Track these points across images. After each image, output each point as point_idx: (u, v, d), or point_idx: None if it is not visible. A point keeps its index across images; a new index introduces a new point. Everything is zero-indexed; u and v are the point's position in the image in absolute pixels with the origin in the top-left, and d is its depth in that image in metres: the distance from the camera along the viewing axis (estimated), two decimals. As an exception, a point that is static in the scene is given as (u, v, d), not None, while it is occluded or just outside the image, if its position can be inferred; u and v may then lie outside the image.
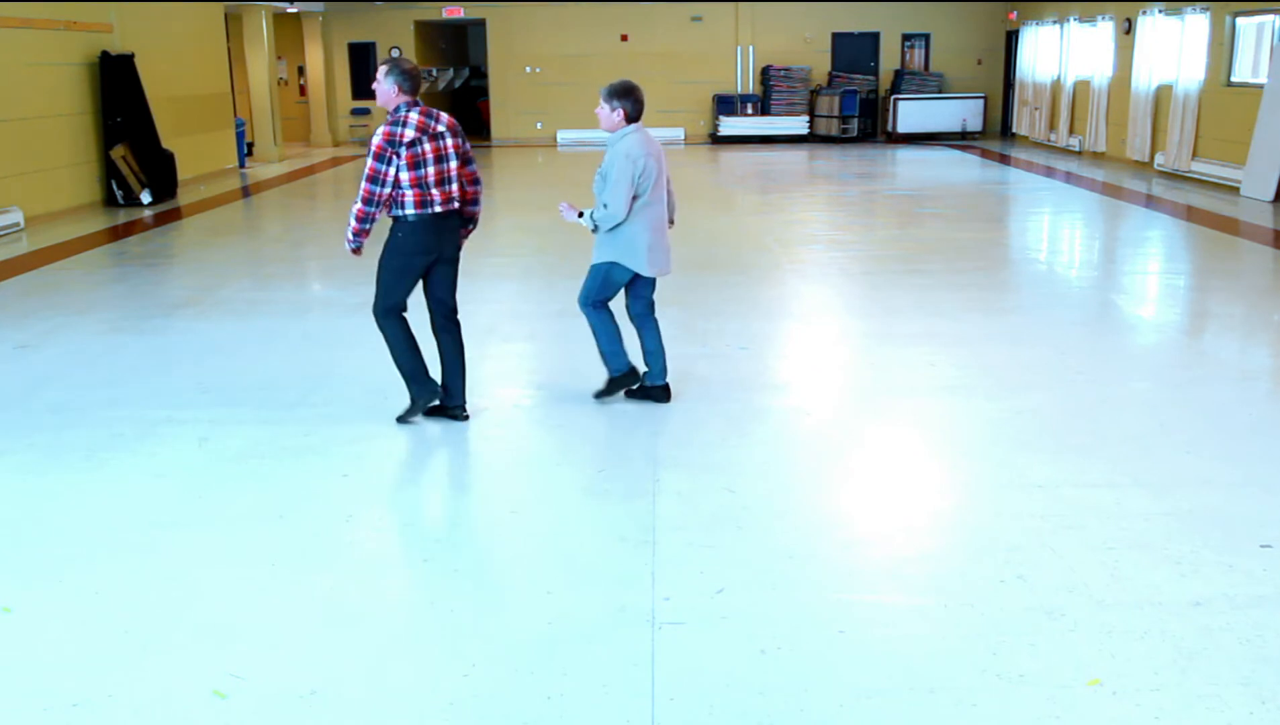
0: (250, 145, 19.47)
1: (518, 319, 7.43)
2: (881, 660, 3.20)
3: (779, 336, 7.21)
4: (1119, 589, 3.58)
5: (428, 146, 5.00)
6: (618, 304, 5.49)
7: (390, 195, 4.99)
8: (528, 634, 3.38)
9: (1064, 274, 9.40)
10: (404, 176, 4.97)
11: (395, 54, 23.00)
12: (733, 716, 2.94)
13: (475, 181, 5.27)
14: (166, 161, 14.33)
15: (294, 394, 5.79)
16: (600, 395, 5.56)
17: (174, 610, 3.56)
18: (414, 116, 4.99)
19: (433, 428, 5.32)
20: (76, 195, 13.08)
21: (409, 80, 4.99)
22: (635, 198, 5.22)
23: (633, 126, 5.26)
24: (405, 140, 4.93)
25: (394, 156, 4.92)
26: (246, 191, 15.81)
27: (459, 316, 5.36)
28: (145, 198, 13.64)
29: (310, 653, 3.29)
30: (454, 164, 5.12)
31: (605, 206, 5.19)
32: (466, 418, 5.36)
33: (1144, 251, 10.46)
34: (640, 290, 5.49)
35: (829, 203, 13.93)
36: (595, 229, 5.29)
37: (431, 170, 5.01)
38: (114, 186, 13.54)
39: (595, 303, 5.42)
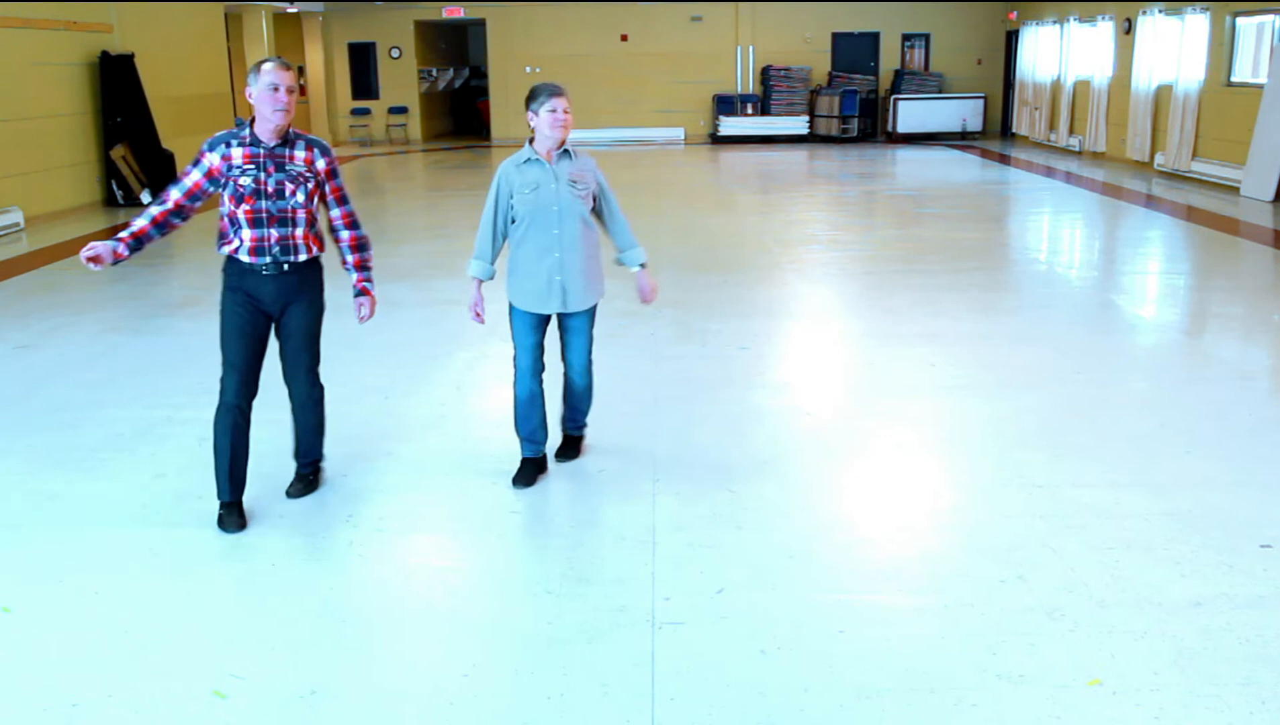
0: (250, 145, 19.44)
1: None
2: (881, 660, 3.20)
3: (779, 336, 7.20)
4: (1119, 589, 3.58)
5: None
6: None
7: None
8: (528, 634, 3.38)
9: (1064, 274, 9.39)
10: None
11: (395, 55, 23.04)
12: (733, 716, 2.94)
13: None
14: (167, 161, 14.32)
15: (294, 394, 5.77)
16: (516, 481, 4.57)
17: (174, 610, 3.56)
18: None
19: (432, 428, 5.32)
20: (76, 195, 13.08)
21: None
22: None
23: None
24: None
25: None
26: (246, 191, 15.78)
27: None
28: (145, 198, 13.63)
29: (310, 653, 3.30)
30: None
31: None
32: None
33: (1144, 251, 10.45)
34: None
35: (829, 203, 13.93)
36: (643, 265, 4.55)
37: None
38: (114, 186, 13.54)
39: (519, 359, 4.50)
